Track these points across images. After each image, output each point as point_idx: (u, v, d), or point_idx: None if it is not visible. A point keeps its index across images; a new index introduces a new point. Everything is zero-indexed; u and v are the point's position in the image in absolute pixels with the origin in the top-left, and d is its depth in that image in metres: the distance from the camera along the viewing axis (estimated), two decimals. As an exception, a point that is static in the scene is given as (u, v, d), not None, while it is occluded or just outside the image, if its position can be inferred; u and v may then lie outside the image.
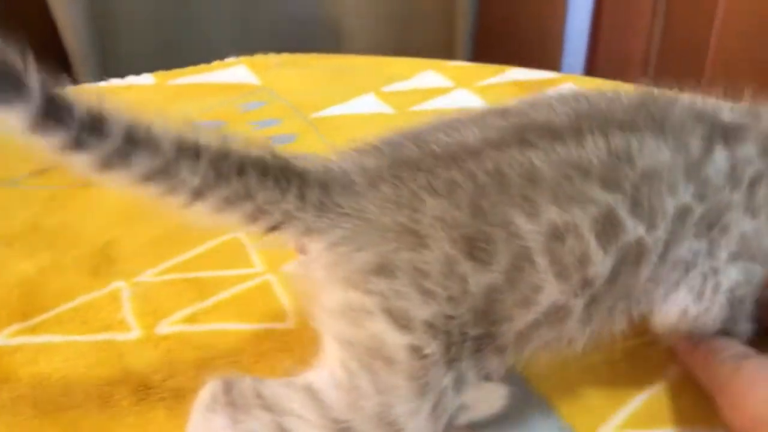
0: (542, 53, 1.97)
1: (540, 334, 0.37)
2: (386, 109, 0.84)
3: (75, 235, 0.62)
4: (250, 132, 0.79)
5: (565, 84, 0.88)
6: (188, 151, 0.33)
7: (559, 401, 0.44)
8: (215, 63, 0.98)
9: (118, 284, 0.55)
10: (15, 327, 0.51)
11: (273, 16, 1.65)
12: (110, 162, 0.32)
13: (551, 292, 0.35)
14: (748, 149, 0.40)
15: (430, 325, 0.34)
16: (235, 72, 0.95)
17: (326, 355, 0.37)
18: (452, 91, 0.88)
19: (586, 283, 0.36)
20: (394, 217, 0.34)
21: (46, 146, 0.31)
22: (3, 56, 0.29)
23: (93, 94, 0.32)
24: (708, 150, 0.39)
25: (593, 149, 0.36)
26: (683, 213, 0.38)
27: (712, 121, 0.40)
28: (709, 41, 1.68)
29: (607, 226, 0.35)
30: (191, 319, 0.52)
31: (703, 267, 0.39)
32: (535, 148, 0.36)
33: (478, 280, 0.34)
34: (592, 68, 1.97)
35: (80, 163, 0.32)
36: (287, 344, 0.49)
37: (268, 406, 0.36)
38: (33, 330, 0.51)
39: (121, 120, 0.32)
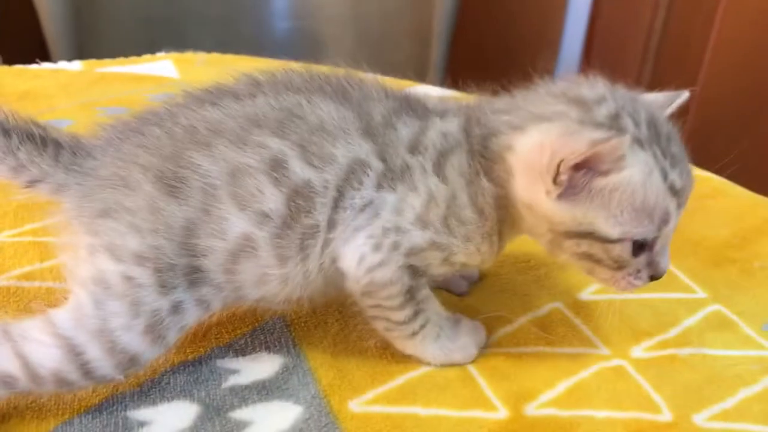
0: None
1: (244, 269, 0.44)
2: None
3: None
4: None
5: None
6: None
7: (324, 374, 0.49)
8: (146, 56, 1.03)
9: (-27, 241, 0.60)
10: None
11: (254, 25, 1.71)
12: None
13: (236, 222, 0.43)
14: (446, 126, 0.46)
15: (138, 255, 0.42)
16: (160, 65, 1.01)
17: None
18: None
19: (264, 215, 0.43)
20: (112, 170, 0.43)
21: None
22: None
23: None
24: (390, 121, 0.46)
25: (264, 105, 0.44)
26: (358, 165, 0.44)
27: (407, 101, 0.48)
28: (709, 39, 1.69)
29: (277, 167, 0.43)
30: (27, 276, 0.57)
31: (387, 221, 0.44)
32: (219, 106, 0.44)
33: (176, 213, 0.42)
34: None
35: None
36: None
37: (11, 338, 0.42)
38: None
39: None
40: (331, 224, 0.44)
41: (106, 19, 1.58)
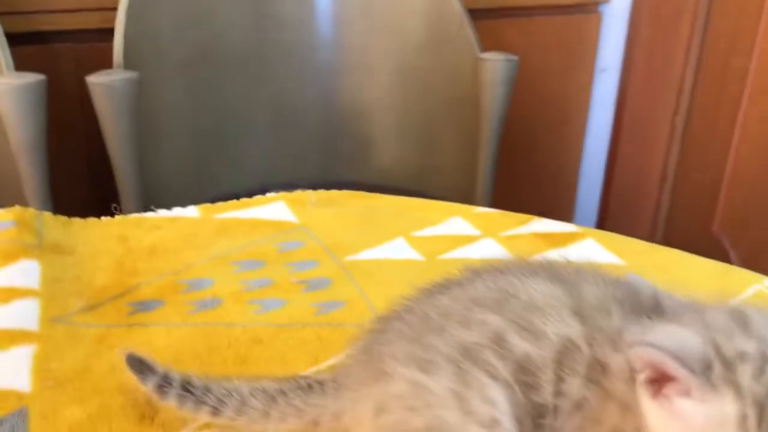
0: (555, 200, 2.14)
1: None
2: (416, 255, 0.89)
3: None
4: (287, 273, 0.84)
5: (586, 240, 0.93)
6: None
7: None
8: (256, 198, 1.04)
9: (162, 437, 0.59)
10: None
11: (302, 137, 1.73)
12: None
13: (492, 386, 0.44)
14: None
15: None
16: (274, 208, 1.01)
17: None
18: (478, 240, 0.93)
19: (506, 383, 0.44)
20: (370, 369, 0.49)
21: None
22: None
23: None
24: (604, 305, 0.46)
25: (483, 288, 0.49)
26: (569, 345, 0.44)
27: (631, 292, 0.48)
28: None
29: (499, 341, 0.45)
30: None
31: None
32: (446, 294, 0.50)
33: (437, 385, 0.44)
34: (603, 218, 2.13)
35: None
36: None
37: None
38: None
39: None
40: (556, 411, 0.43)
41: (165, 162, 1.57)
